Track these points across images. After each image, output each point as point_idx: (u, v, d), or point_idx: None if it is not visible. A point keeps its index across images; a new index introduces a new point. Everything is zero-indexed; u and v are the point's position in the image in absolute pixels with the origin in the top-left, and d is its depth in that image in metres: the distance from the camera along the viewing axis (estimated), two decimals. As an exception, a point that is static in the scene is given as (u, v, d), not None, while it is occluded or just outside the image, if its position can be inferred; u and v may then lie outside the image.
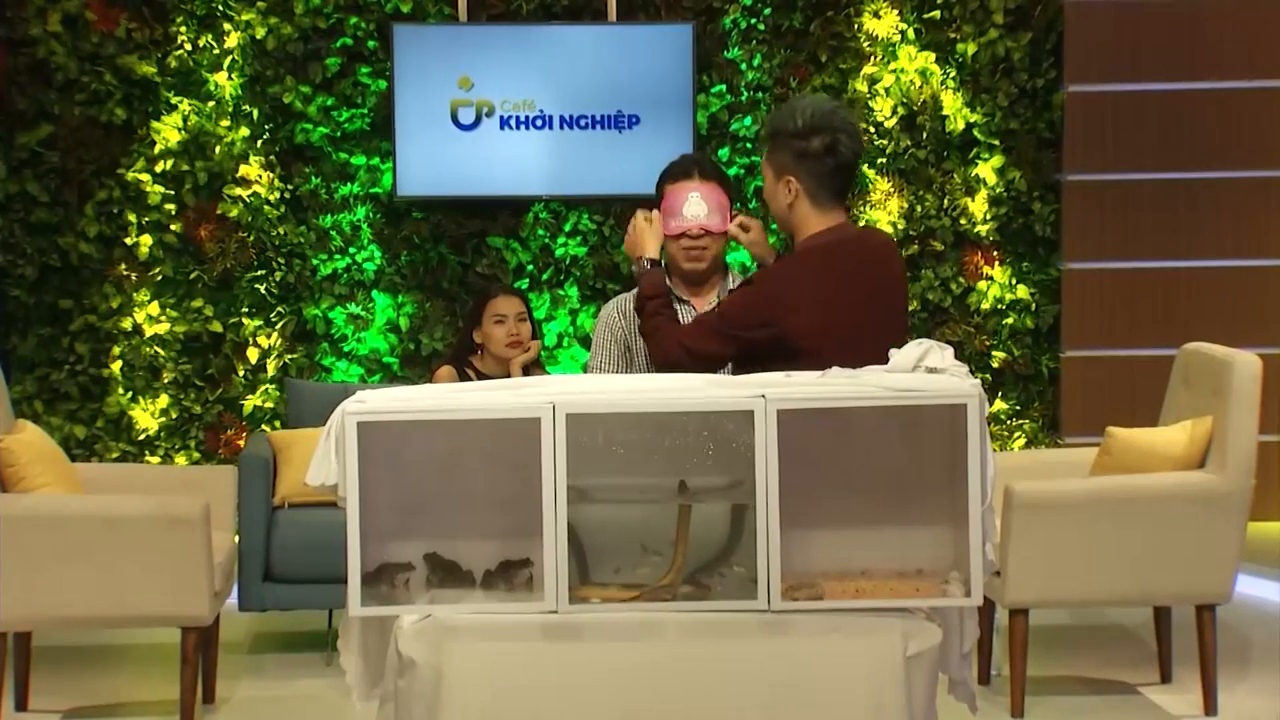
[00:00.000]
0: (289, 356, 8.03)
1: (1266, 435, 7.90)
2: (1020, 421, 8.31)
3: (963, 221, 8.18)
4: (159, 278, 7.98)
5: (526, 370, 6.01)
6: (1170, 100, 8.20)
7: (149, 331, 7.97)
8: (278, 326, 8.03)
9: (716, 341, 4.03)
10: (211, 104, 7.96)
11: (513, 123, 7.98)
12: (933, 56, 8.17)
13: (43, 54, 7.86)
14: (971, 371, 3.67)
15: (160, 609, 5.38)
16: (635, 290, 4.58)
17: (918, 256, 8.20)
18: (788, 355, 3.87)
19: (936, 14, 8.15)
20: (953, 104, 8.15)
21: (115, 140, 7.95)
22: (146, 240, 7.95)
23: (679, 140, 7.89)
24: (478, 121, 7.96)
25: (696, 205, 4.39)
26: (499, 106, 7.96)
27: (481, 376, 5.97)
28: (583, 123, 8.00)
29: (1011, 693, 5.40)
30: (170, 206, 7.97)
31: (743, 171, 8.11)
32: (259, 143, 8.00)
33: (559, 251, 8.11)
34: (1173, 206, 8.23)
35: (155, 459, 7.95)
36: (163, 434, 7.98)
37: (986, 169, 8.17)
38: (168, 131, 7.93)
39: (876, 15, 8.13)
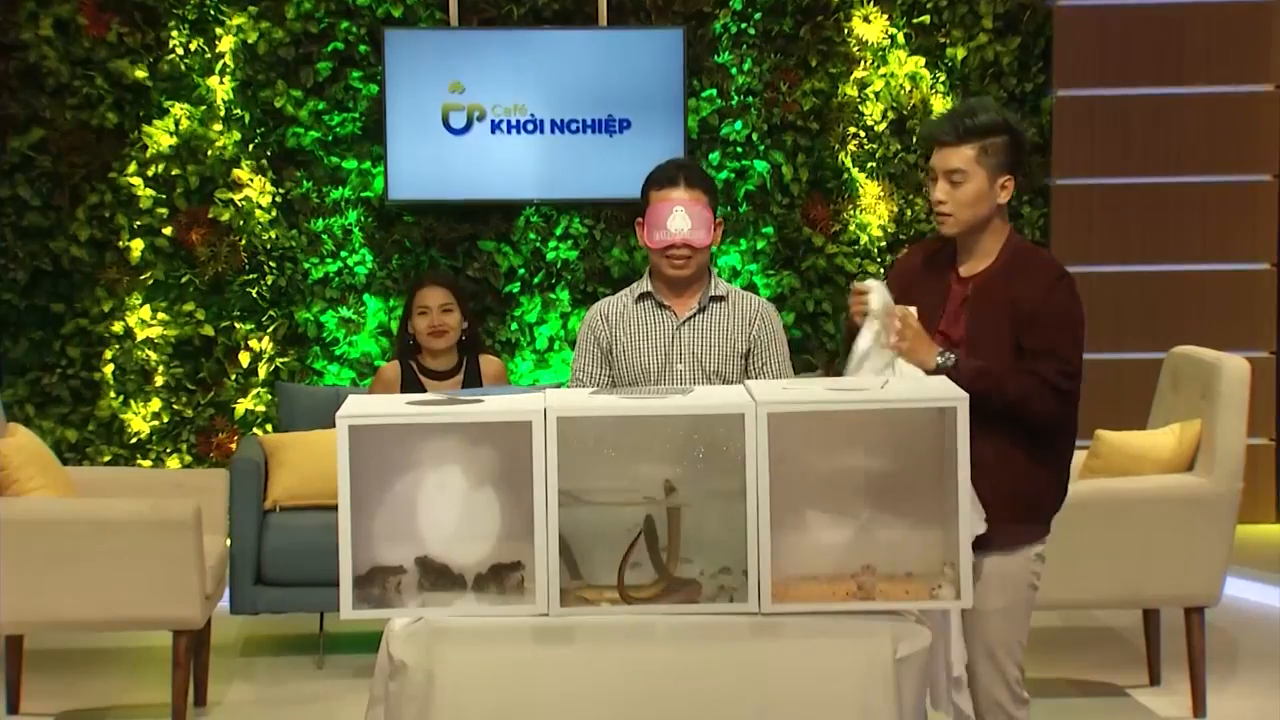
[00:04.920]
0: (280, 360, 8.03)
1: (1254, 438, 7.94)
2: (1009, 425, 8.32)
3: (952, 225, 8.19)
4: (150, 281, 7.97)
5: (479, 376, 5.99)
6: (1158, 105, 8.22)
7: (140, 335, 7.96)
8: (269, 330, 8.03)
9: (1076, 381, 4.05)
10: (203, 108, 7.95)
11: (504, 127, 7.98)
12: (922, 61, 8.18)
13: (34, 58, 7.85)
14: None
15: (152, 612, 5.38)
16: (621, 293, 4.59)
17: (907, 260, 8.21)
18: None
19: (926, 19, 8.16)
20: (942, 108, 8.16)
21: (107, 144, 7.94)
22: (138, 244, 7.94)
23: (669, 144, 7.89)
24: (469, 126, 7.96)
25: (680, 219, 4.40)
26: (489, 111, 7.96)
27: (425, 370, 5.99)
28: (573, 127, 8.00)
29: (1001, 695, 5.40)
30: (162, 210, 7.96)
31: (733, 176, 8.12)
32: (250, 147, 7.99)
33: (550, 255, 8.11)
34: (1161, 211, 8.24)
35: (147, 462, 7.94)
36: (154, 437, 7.97)
37: (976, 173, 8.18)
38: (159, 136, 7.92)
39: (866, 20, 8.14)
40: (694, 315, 4.48)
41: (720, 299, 4.51)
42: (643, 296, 4.52)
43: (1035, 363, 3.96)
